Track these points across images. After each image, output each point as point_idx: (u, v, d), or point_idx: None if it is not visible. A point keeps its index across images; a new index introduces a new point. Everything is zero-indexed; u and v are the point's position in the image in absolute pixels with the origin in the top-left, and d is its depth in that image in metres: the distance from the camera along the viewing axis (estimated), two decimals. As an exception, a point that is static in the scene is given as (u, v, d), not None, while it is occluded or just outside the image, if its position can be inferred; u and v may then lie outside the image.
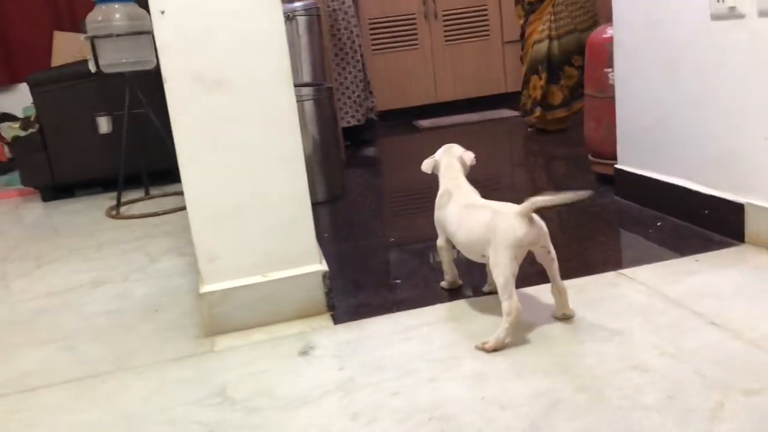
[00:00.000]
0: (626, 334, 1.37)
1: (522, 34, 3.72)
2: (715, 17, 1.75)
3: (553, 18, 3.55)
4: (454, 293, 1.68)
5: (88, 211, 3.04)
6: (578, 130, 2.85)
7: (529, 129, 3.74)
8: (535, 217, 1.39)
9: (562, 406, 1.15)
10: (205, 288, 1.59)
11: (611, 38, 2.36)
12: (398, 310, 1.62)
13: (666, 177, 2.05)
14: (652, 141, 2.11)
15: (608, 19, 2.34)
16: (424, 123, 4.43)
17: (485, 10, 4.66)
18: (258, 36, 1.51)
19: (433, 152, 1.67)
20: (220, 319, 1.59)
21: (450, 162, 1.64)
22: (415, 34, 4.59)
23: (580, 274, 1.67)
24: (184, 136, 1.52)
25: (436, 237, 1.65)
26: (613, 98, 2.38)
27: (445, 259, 1.67)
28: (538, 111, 3.58)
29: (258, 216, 1.59)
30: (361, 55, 3.79)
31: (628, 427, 1.08)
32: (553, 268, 1.42)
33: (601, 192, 2.37)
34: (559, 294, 1.45)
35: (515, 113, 4.16)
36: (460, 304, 1.61)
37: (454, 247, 1.62)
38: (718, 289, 1.52)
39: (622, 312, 1.47)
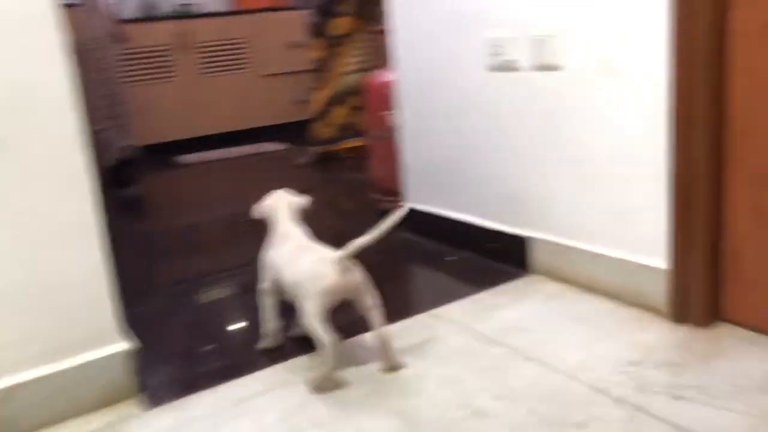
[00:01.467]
0: (457, 380, 1.41)
1: (320, 67, 3.72)
2: (493, 68, 1.91)
3: (357, 53, 3.63)
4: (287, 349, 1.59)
5: None
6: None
7: (300, 162, 3.75)
8: (352, 264, 1.40)
9: (421, 469, 1.14)
10: (-13, 387, 1.31)
11: (392, 82, 2.46)
12: (224, 380, 1.49)
13: (455, 213, 2.18)
14: (440, 180, 2.23)
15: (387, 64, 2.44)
16: (189, 158, 4.22)
17: (242, 42, 4.59)
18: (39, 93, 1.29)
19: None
20: (4, 425, 1.32)
21: (281, 207, 1.61)
22: (171, 65, 4.37)
23: (394, 318, 1.69)
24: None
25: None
26: (393, 139, 2.48)
27: (267, 304, 1.59)
28: (342, 142, 3.68)
29: (45, 296, 1.35)
30: (113, 89, 3.48)
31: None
32: (372, 316, 1.42)
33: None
34: (382, 345, 1.45)
35: (281, 146, 4.16)
36: (297, 362, 1.53)
37: (278, 293, 1.57)
38: (523, 323, 1.63)
39: (446, 356, 1.51)
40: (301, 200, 1.64)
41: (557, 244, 1.84)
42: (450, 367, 1.46)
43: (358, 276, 1.41)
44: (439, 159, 2.22)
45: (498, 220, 2.03)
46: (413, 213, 2.35)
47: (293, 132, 4.32)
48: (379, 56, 3.79)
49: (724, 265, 1.49)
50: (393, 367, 1.46)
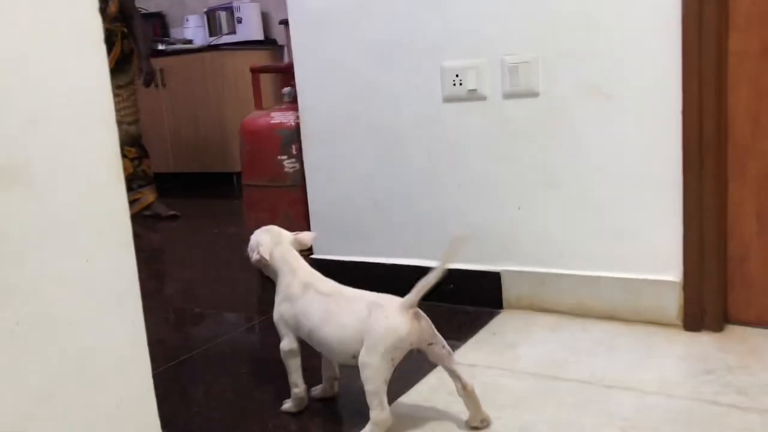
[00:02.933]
0: (566, 422, 1.25)
1: None
2: (449, 99, 1.83)
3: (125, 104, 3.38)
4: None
5: None
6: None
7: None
8: (419, 311, 1.21)
9: None
10: None
11: (284, 125, 2.22)
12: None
13: (387, 259, 2.01)
14: (365, 225, 2.04)
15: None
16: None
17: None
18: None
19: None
20: None
21: (287, 248, 1.36)
22: None
23: (416, 379, 1.47)
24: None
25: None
26: (292, 186, 2.23)
27: (294, 366, 1.34)
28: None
29: (84, 396, 0.88)
30: None
31: None
32: (452, 362, 1.22)
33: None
34: (467, 395, 1.23)
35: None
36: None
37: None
38: (556, 354, 1.54)
39: (521, 401, 1.34)
40: (305, 235, 1.39)
41: (534, 274, 1.79)
42: (538, 412, 1.30)
43: (427, 320, 1.21)
44: (364, 203, 2.04)
45: (459, 258, 1.91)
46: (326, 264, 2.11)
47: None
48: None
49: (730, 270, 1.59)
50: (484, 420, 1.25)
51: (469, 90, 1.78)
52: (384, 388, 1.16)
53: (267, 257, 1.33)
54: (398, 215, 1.98)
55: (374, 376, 1.15)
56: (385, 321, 1.17)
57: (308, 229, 2.17)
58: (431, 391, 1.40)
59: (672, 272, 1.62)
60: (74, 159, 0.86)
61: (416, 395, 1.39)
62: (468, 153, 1.83)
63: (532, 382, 1.42)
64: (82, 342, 0.88)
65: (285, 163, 2.22)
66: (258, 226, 2.28)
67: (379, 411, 1.15)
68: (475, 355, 1.57)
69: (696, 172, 1.54)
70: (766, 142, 1.51)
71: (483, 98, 1.78)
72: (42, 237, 0.83)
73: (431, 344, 1.20)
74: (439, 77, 1.83)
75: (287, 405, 1.36)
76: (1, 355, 0.79)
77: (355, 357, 1.18)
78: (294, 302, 1.30)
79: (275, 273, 1.35)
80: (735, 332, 1.58)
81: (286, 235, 1.38)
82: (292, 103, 2.35)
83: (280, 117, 2.25)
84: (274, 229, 1.38)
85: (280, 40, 4.87)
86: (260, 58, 4.64)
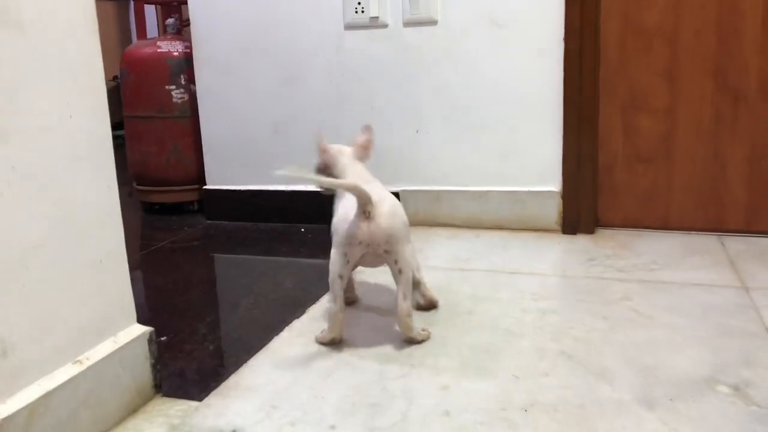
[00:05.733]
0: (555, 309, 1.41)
1: None
2: (351, 26, 1.91)
3: None
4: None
5: None
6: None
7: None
8: (385, 214, 1.14)
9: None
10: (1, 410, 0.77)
11: (172, 54, 2.18)
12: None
13: (291, 186, 2.06)
14: (264, 153, 2.08)
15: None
16: None
17: None
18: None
19: None
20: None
21: (346, 161, 1.30)
22: None
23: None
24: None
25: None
26: (180, 117, 2.21)
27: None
28: None
29: (66, 257, 0.88)
30: None
31: (629, 346, 1.18)
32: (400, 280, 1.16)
33: (190, 222, 2.17)
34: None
35: None
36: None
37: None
38: (461, 254, 1.69)
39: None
40: (359, 140, 1.34)
41: (430, 192, 1.94)
42: (456, 292, 1.44)
43: (385, 230, 1.14)
44: (262, 130, 2.07)
45: (354, 182, 2.01)
46: (221, 194, 2.13)
47: None
48: None
49: (600, 179, 1.84)
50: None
51: (371, 17, 1.88)
52: (338, 282, 1.14)
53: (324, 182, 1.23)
54: (298, 141, 2.03)
55: (330, 267, 1.15)
56: (344, 214, 1.16)
57: (200, 160, 2.17)
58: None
59: (552, 183, 1.84)
60: (55, 4, 0.86)
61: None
62: (369, 79, 1.94)
63: (445, 273, 1.56)
64: (67, 194, 0.88)
65: (173, 93, 2.18)
66: (145, 159, 2.24)
67: (331, 304, 1.16)
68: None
69: (575, 92, 1.76)
70: (630, 67, 1.76)
71: (384, 26, 1.89)
72: (32, 79, 0.82)
73: (387, 252, 1.14)
74: (341, 4, 1.91)
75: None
76: (1, 200, 0.78)
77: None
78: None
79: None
80: (606, 234, 1.83)
81: (346, 149, 1.33)
82: (176, 34, 2.31)
83: (168, 46, 2.20)
84: (334, 147, 1.33)
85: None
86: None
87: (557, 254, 1.69)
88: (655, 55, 1.74)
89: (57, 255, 0.86)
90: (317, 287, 1.49)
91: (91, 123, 0.91)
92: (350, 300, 1.37)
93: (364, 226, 1.13)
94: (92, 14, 0.90)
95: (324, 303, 1.40)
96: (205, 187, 2.17)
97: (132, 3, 2.39)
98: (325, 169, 1.30)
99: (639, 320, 1.26)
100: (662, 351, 1.13)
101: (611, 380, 1.04)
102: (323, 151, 1.31)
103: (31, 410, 0.81)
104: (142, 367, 1.00)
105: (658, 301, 1.34)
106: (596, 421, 0.93)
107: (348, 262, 1.15)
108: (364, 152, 1.33)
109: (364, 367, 1.11)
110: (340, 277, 1.15)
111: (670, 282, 1.45)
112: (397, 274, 1.16)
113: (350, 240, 1.13)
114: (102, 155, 0.93)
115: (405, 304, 1.16)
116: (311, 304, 1.40)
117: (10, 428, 0.78)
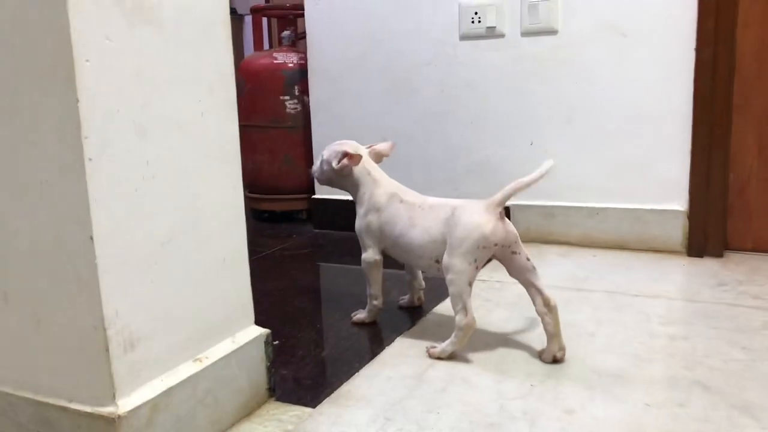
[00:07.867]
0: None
1: None
2: (467, 37, 1.88)
3: None
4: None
5: None
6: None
7: None
8: (505, 217, 1.16)
9: None
10: (123, 404, 0.78)
11: (287, 65, 2.22)
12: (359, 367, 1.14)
13: (399, 197, 2.04)
14: (373, 163, 2.07)
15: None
16: None
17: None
18: None
19: None
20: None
21: (366, 159, 1.33)
22: None
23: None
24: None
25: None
26: (293, 128, 2.24)
27: (375, 278, 1.32)
28: None
29: (192, 254, 0.88)
30: None
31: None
32: (536, 277, 1.14)
33: (299, 230, 2.19)
34: (550, 310, 1.13)
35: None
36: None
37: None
38: (582, 273, 1.61)
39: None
40: (382, 146, 1.38)
41: (543, 207, 1.87)
42: (577, 313, 1.36)
43: (512, 227, 1.16)
44: (371, 142, 2.06)
45: (466, 194, 1.97)
46: (324, 205, 2.13)
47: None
48: None
49: (731, 200, 1.71)
50: (561, 349, 1.14)
51: (488, 27, 1.84)
52: (468, 291, 1.12)
53: (333, 167, 1.30)
54: (407, 154, 2.02)
55: (457, 277, 1.11)
56: (468, 218, 1.13)
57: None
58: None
59: (677, 202, 1.73)
60: (193, 1, 0.87)
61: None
62: (483, 90, 1.89)
63: (562, 292, 1.48)
64: (196, 192, 0.88)
65: (287, 103, 2.22)
66: (257, 168, 2.29)
67: (462, 315, 1.12)
68: (500, 275, 1.62)
69: (707, 107, 1.65)
70: (770, 80, 1.64)
71: (501, 35, 1.85)
72: (169, 76, 0.83)
73: (515, 253, 1.13)
74: (457, 14, 1.88)
75: (360, 315, 1.36)
76: (135, 194, 0.79)
77: (439, 261, 1.16)
78: (380, 212, 1.27)
79: (355, 184, 1.32)
80: (735, 257, 1.70)
81: (363, 148, 1.35)
82: (291, 46, 2.36)
83: (283, 57, 2.25)
84: (350, 142, 1.35)
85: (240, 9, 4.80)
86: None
87: (683, 277, 1.58)
88: (798, 66, 1.61)
89: (184, 251, 0.86)
90: (425, 299, 1.45)
91: (220, 122, 0.91)
92: (418, 302, 1.42)
93: (500, 226, 1.12)
94: (226, 13, 0.91)
95: (435, 314, 1.36)
96: (314, 196, 2.19)
97: (251, 16, 2.46)
98: (342, 169, 1.31)
99: (784, 352, 1.14)
100: (815, 387, 1.02)
101: (757, 416, 0.94)
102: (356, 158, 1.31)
103: (154, 405, 0.81)
104: (257, 370, 1.00)
105: (804, 333, 1.22)
106: (744, 460, 0.84)
107: (477, 267, 1.13)
108: (377, 157, 1.36)
109: (480, 384, 1.06)
110: (470, 285, 1.12)
111: (817, 312, 1.32)
112: (532, 270, 1.14)
113: (485, 243, 1.11)
114: (230, 155, 0.94)
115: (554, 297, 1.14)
116: (421, 317, 1.37)
117: (133, 422, 0.79)
